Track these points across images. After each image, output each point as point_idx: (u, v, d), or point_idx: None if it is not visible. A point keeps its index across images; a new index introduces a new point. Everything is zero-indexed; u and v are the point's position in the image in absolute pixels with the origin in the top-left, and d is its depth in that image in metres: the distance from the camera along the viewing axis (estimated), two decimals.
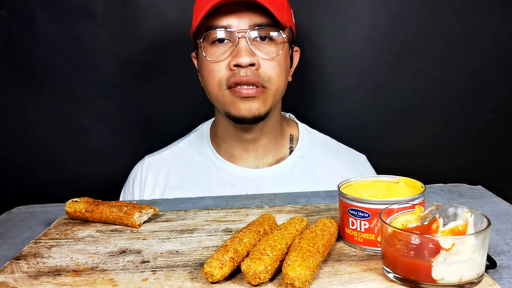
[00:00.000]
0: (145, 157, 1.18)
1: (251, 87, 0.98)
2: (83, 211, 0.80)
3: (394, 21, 1.30)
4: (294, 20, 1.07)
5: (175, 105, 1.33)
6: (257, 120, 1.02)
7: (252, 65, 0.97)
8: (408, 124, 1.36)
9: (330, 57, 1.32)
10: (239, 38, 0.97)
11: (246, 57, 0.96)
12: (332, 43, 1.31)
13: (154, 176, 1.13)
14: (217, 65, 0.99)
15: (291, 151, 1.12)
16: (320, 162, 1.11)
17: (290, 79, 1.08)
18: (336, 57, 1.32)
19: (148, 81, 1.34)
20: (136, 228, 0.78)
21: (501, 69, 1.33)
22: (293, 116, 1.20)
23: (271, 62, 0.99)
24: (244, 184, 1.07)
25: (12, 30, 1.30)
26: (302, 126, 1.17)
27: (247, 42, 0.97)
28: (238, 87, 0.98)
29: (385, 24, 1.30)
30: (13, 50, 1.31)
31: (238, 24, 0.97)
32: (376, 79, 1.33)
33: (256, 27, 0.97)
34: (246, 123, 1.03)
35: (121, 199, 1.17)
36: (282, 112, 1.15)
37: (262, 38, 0.99)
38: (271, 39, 0.99)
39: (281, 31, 0.99)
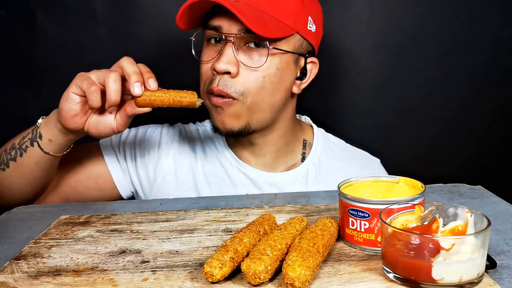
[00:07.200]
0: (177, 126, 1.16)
1: (219, 97, 0.92)
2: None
3: (394, 21, 1.30)
4: (312, 28, 0.98)
5: None
6: (234, 135, 0.96)
7: (228, 73, 0.91)
8: (408, 124, 1.36)
9: (330, 57, 1.32)
10: (225, 41, 0.91)
11: (222, 63, 0.90)
12: (331, 43, 1.31)
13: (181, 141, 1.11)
14: (205, 66, 0.95)
15: (303, 158, 1.07)
16: (333, 168, 1.06)
17: (296, 91, 1.00)
18: (335, 57, 1.32)
19: None
20: (194, 107, 0.83)
21: (501, 69, 1.33)
22: (309, 119, 1.15)
23: (253, 73, 0.91)
24: (257, 186, 1.03)
25: (12, 30, 1.30)
26: (318, 131, 1.11)
27: (232, 46, 0.91)
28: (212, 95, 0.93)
29: (385, 24, 1.30)
30: (13, 50, 1.31)
31: (229, 27, 0.91)
32: (376, 80, 1.33)
33: (243, 33, 0.90)
34: (222, 135, 0.97)
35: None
36: (297, 115, 1.11)
37: (256, 45, 0.92)
38: (264, 47, 0.91)
39: (267, 42, 0.90)
